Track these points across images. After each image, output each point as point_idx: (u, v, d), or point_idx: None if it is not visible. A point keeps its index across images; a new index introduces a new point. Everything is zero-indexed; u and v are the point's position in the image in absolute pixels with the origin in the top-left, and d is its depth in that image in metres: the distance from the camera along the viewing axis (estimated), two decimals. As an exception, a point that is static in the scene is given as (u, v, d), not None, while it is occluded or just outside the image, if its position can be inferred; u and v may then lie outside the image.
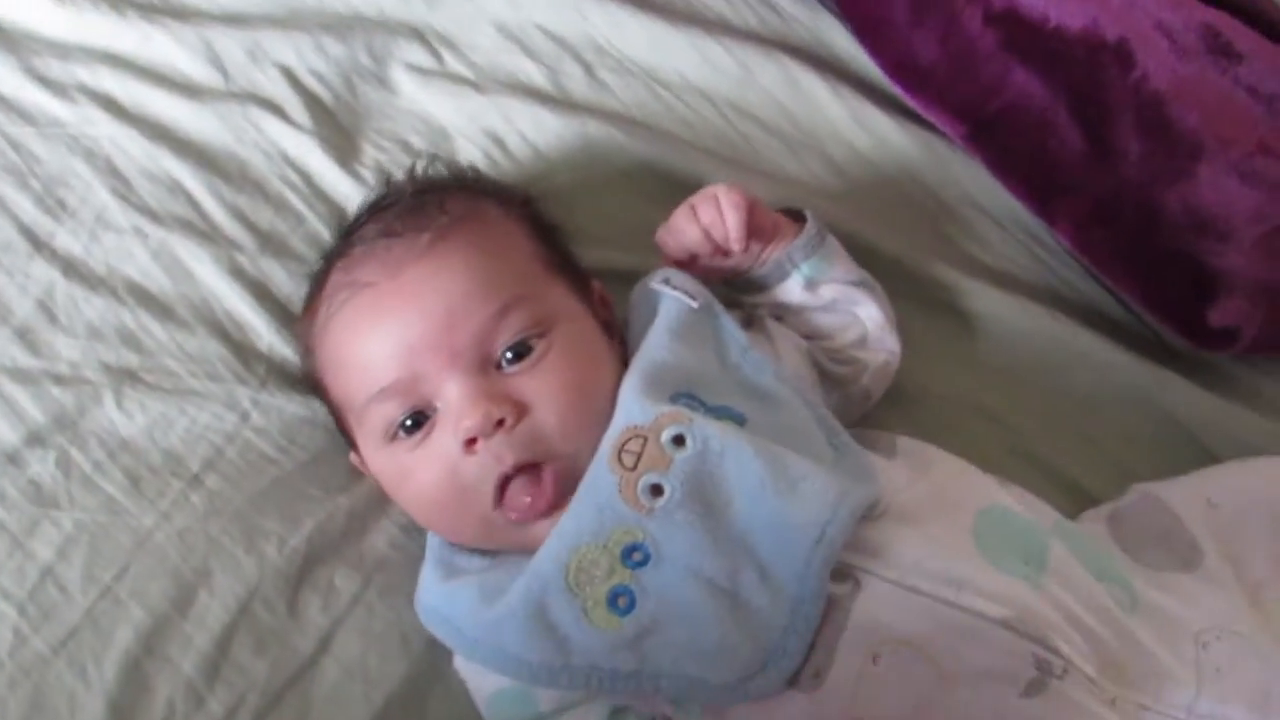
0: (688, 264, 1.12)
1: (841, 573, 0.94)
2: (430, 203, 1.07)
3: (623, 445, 0.97)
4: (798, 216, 1.14)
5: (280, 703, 1.01)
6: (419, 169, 1.18)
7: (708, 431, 0.97)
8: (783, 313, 1.14)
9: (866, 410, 1.16)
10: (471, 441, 0.98)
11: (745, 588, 0.93)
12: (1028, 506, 1.05)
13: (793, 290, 1.12)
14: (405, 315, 1.00)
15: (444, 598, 1.01)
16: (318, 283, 1.10)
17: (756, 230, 1.09)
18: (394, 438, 1.02)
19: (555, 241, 1.12)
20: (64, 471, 1.08)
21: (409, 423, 1.01)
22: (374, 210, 1.11)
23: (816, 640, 0.92)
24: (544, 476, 0.98)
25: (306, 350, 1.10)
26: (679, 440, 0.97)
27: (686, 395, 1.01)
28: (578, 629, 0.93)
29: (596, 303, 1.11)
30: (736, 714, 0.94)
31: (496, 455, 0.97)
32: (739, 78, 1.35)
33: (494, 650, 0.96)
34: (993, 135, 1.26)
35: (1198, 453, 1.21)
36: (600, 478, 0.96)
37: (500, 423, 0.97)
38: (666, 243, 1.12)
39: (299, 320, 1.13)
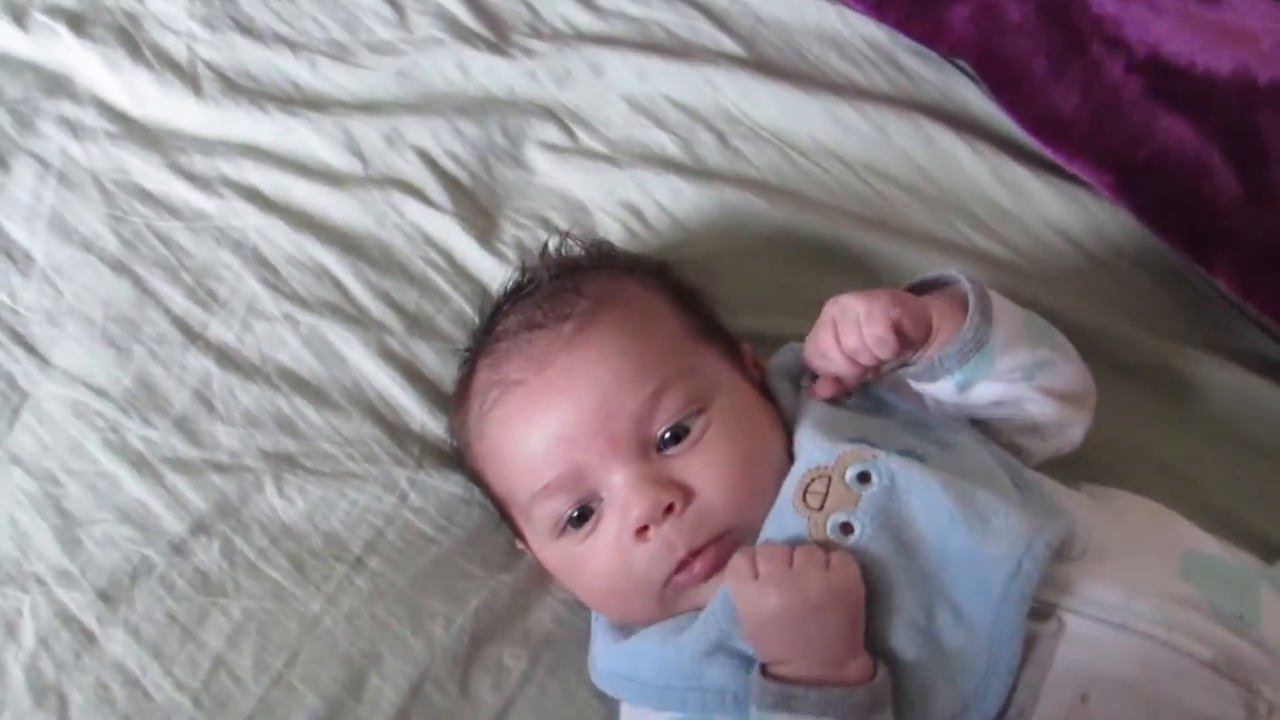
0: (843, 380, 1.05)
1: (1044, 612, 0.91)
2: (568, 288, 1.06)
3: (807, 486, 0.95)
4: (949, 283, 1.05)
5: (459, 784, 0.99)
6: (552, 246, 1.17)
7: (893, 467, 0.95)
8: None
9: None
10: (643, 530, 0.96)
11: (942, 628, 0.90)
12: (1231, 553, 1.01)
13: (945, 392, 1.03)
14: (560, 410, 0.98)
15: (624, 655, 0.99)
16: (465, 379, 1.09)
17: (906, 340, 0.99)
18: (563, 532, 1.01)
19: (700, 308, 1.11)
20: (229, 560, 1.07)
21: (576, 515, 0.99)
22: (513, 300, 1.10)
23: (1020, 680, 0.89)
24: (721, 546, 0.96)
25: (464, 445, 1.09)
26: (864, 478, 0.95)
27: (863, 440, 0.98)
28: None
29: (750, 366, 1.09)
30: None
31: (669, 543, 0.95)
32: (873, 139, 1.34)
33: (689, 689, 0.94)
34: (1142, 183, 1.24)
35: (1388, 500, 1.16)
36: (786, 520, 0.95)
37: (670, 508, 0.95)
38: (814, 364, 1.04)
39: (451, 415, 1.12)
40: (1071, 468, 1.09)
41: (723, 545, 0.96)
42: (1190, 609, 0.92)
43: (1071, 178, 1.30)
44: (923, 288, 1.06)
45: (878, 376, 1.05)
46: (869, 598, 0.91)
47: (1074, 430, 1.07)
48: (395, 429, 1.16)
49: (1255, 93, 1.19)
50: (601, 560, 0.98)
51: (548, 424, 0.98)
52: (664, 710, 0.97)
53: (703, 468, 0.97)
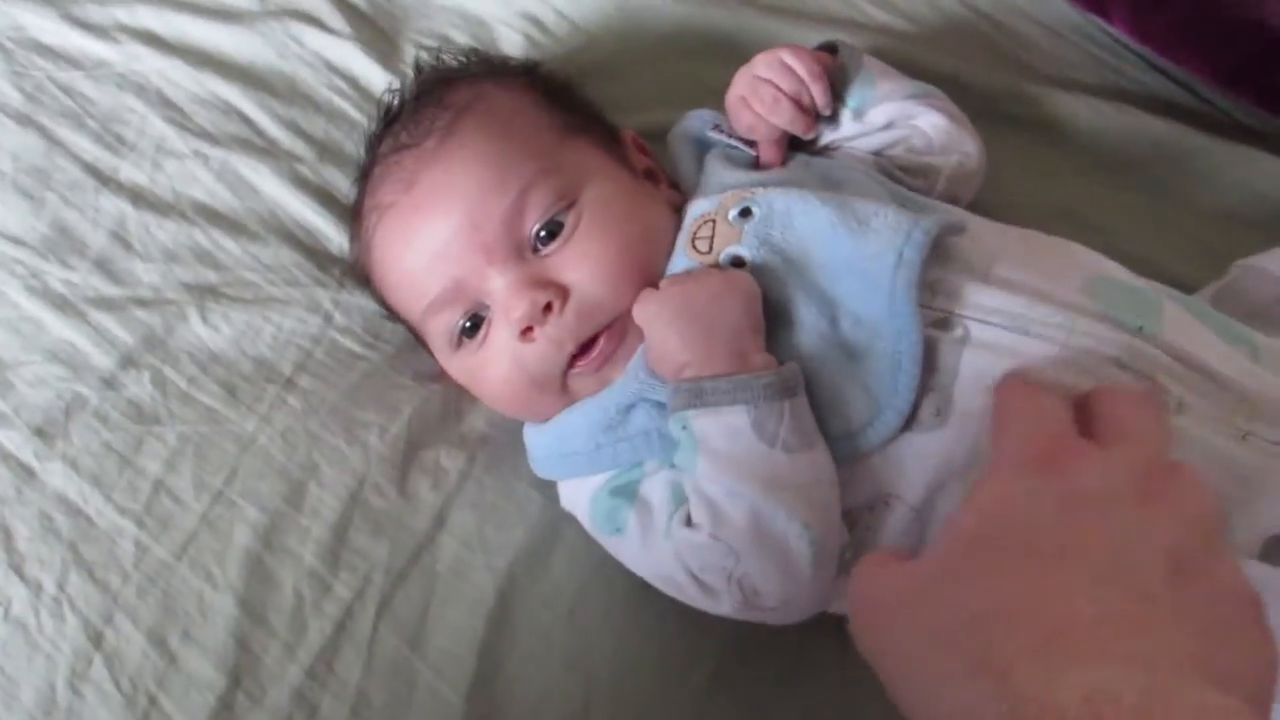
0: (773, 138, 1.07)
1: (949, 322, 0.93)
2: (431, 103, 1.05)
3: (694, 234, 0.97)
4: (830, 50, 1.10)
5: (405, 580, 1.01)
6: (423, 62, 1.16)
7: (770, 196, 0.97)
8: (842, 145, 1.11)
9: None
10: (527, 331, 0.96)
11: (845, 333, 0.93)
12: (1139, 280, 1.03)
13: (845, 127, 1.08)
14: (430, 226, 0.99)
15: (552, 434, 1.01)
16: (354, 210, 1.09)
17: (815, 74, 1.05)
18: (459, 344, 1.02)
19: (569, 102, 1.09)
20: (160, 389, 1.08)
21: (468, 325, 1.00)
22: (385, 125, 1.09)
23: (932, 383, 0.91)
24: (610, 335, 0.97)
25: (363, 272, 1.10)
26: (745, 213, 0.97)
27: (754, 186, 1.01)
28: None
29: (630, 151, 1.09)
30: (862, 470, 0.93)
31: (555, 341, 0.96)
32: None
33: (618, 444, 0.96)
34: (1034, -62, 1.23)
35: (1290, 224, 1.17)
36: (680, 267, 0.97)
37: (549, 307, 0.96)
38: (758, 126, 1.06)
39: (350, 245, 1.13)
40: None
41: (612, 333, 0.97)
42: (1091, 317, 0.93)
43: (968, -59, 1.29)
44: None
45: (810, 129, 1.07)
46: (771, 317, 0.93)
47: (968, 144, 1.08)
48: (314, 253, 1.16)
49: None
50: (498, 366, 0.99)
51: (422, 242, 0.99)
52: (598, 472, 0.99)
53: (578, 261, 0.97)
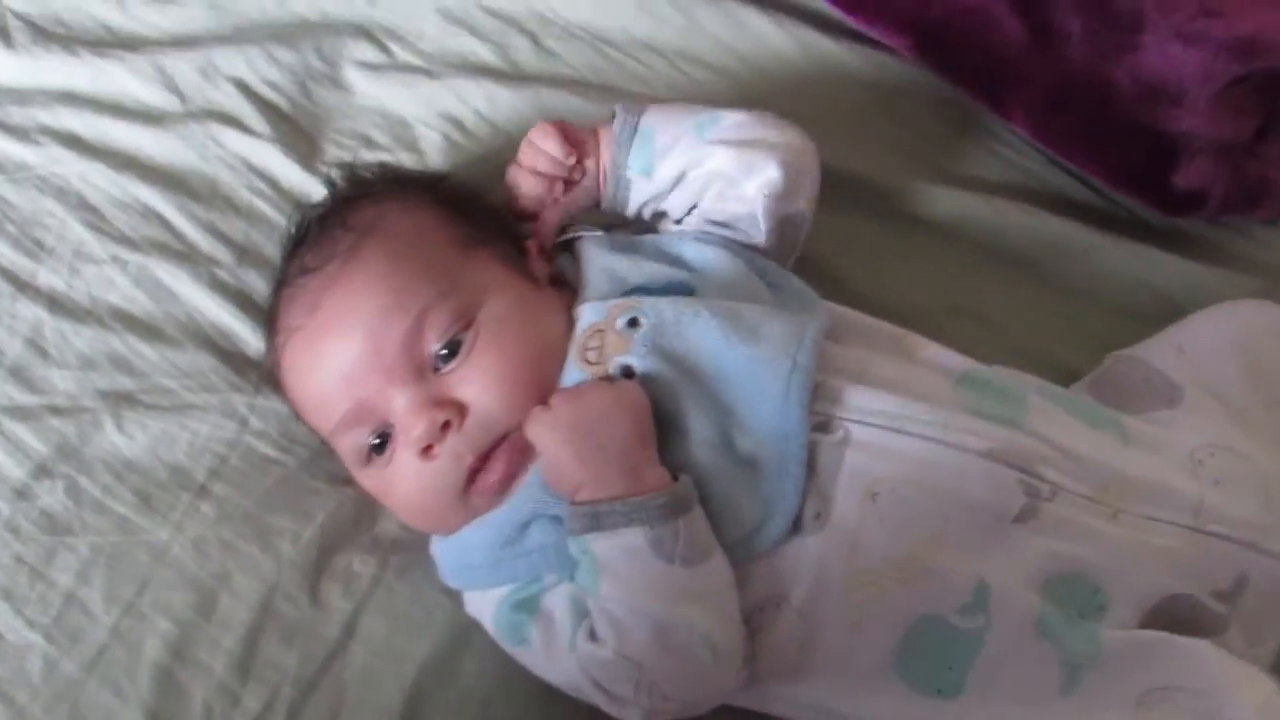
0: (549, 212, 1.13)
1: (828, 425, 0.96)
2: (334, 225, 1.07)
3: (584, 345, 1.00)
4: None
5: (314, 690, 1.02)
6: (335, 178, 1.18)
7: (659, 306, 1.00)
8: (659, 216, 1.14)
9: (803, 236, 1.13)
10: (427, 449, 0.98)
11: (734, 440, 0.95)
12: (1008, 375, 1.07)
13: (641, 189, 1.11)
14: (333, 349, 1.01)
15: (455, 547, 1.03)
16: (267, 326, 1.11)
17: (576, 144, 1.11)
18: (367, 461, 1.03)
19: (474, 213, 1.11)
20: (74, 499, 1.08)
21: (376, 443, 1.02)
22: (294, 245, 1.11)
23: (814, 486, 0.95)
24: (507, 449, 0.99)
25: (278, 386, 1.11)
26: (634, 323, 0.99)
27: (634, 291, 1.04)
28: None
29: (534, 260, 1.10)
30: (755, 571, 0.95)
31: (455, 454, 0.98)
32: (683, 26, 1.35)
33: (516, 558, 0.99)
34: (938, 41, 1.26)
35: (1180, 318, 1.19)
36: (572, 380, 0.99)
37: (446, 425, 0.98)
38: (516, 202, 1.13)
39: (266, 359, 1.14)
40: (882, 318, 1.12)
41: (512, 444, 0.99)
42: (963, 412, 0.97)
43: (877, 44, 1.32)
44: None
45: (586, 209, 1.13)
46: (662, 425, 0.96)
47: (768, 169, 1.07)
48: (232, 357, 1.17)
49: (1034, -61, 1.21)
50: (404, 483, 1.02)
51: (327, 365, 1.01)
52: (498, 585, 1.00)
53: (475, 378, 0.99)
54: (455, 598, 1.06)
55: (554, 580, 0.98)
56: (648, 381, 0.97)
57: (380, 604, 1.06)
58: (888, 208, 1.19)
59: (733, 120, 1.09)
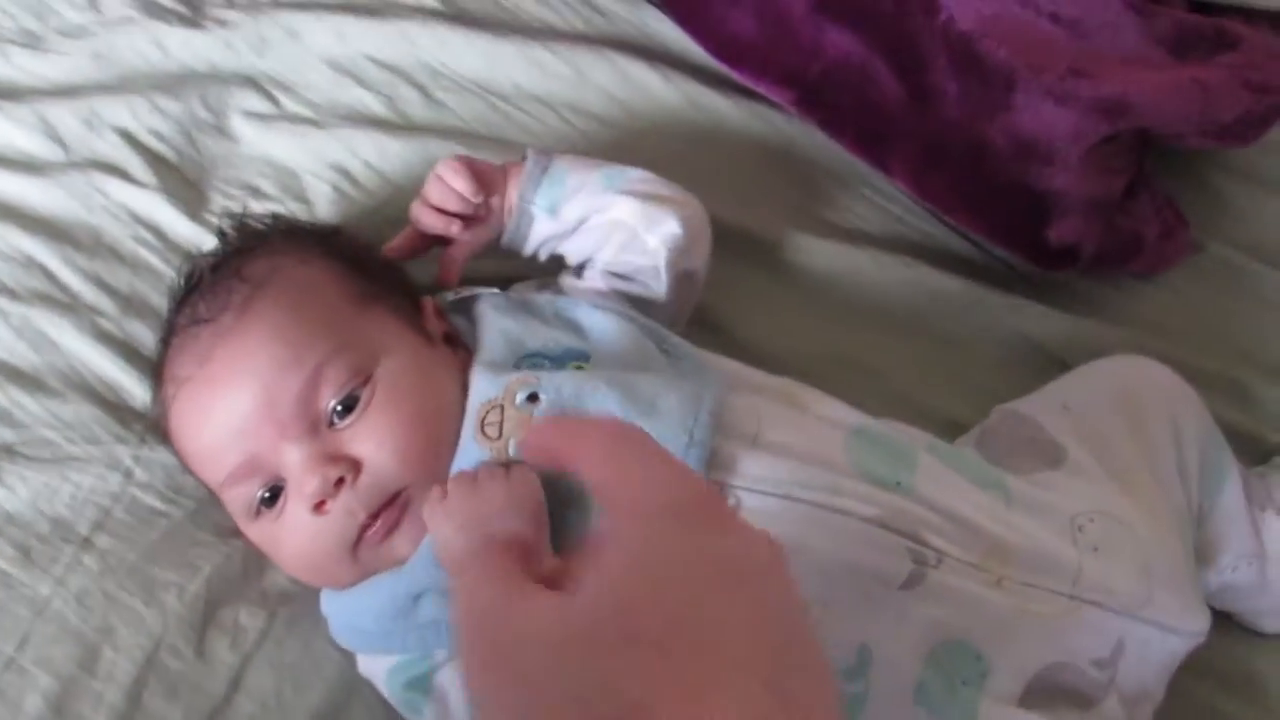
0: (454, 248, 1.16)
1: (722, 492, 0.98)
2: (227, 275, 1.07)
3: (483, 419, 1.00)
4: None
5: (199, 745, 1.02)
6: (226, 227, 1.19)
7: (557, 381, 1.00)
8: (556, 260, 1.18)
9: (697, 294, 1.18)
10: (320, 505, 1.00)
11: None
12: (897, 429, 1.10)
13: (543, 227, 1.15)
14: (225, 402, 1.01)
15: (345, 608, 1.04)
16: (155, 375, 1.11)
17: (484, 182, 1.13)
18: (257, 514, 1.04)
19: (370, 268, 1.13)
20: (-48, 555, 1.08)
21: (267, 496, 1.03)
22: (184, 294, 1.11)
23: None
24: (398, 508, 1.00)
25: (165, 434, 1.11)
26: (533, 398, 1.00)
27: (530, 356, 1.05)
28: None
29: (430, 318, 1.12)
30: None
31: (348, 511, 0.99)
32: (572, 79, 1.39)
33: (407, 631, 0.99)
34: (820, 97, 1.30)
35: (1059, 370, 1.26)
36: (470, 455, 0.99)
37: (340, 481, 0.99)
38: (415, 237, 1.17)
39: (152, 409, 1.14)
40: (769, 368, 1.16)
41: (400, 501, 1.00)
42: (851, 477, 1.00)
43: (762, 98, 1.37)
44: None
45: (489, 246, 1.17)
46: (560, 501, 0.96)
47: (670, 223, 1.12)
48: (116, 408, 1.17)
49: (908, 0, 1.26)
50: (294, 537, 1.02)
51: (218, 417, 1.01)
52: (388, 653, 1.02)
53: (368, 436, 1.00)
54: (345, 651, 1.06)
55: (444, 657, 0.99)
56: None
57: (268, 657, 1.06)
58: (773, 259, 1.23)
59: (638, 175, 1.14)
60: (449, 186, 1.13)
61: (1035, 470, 1.11)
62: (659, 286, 1.13)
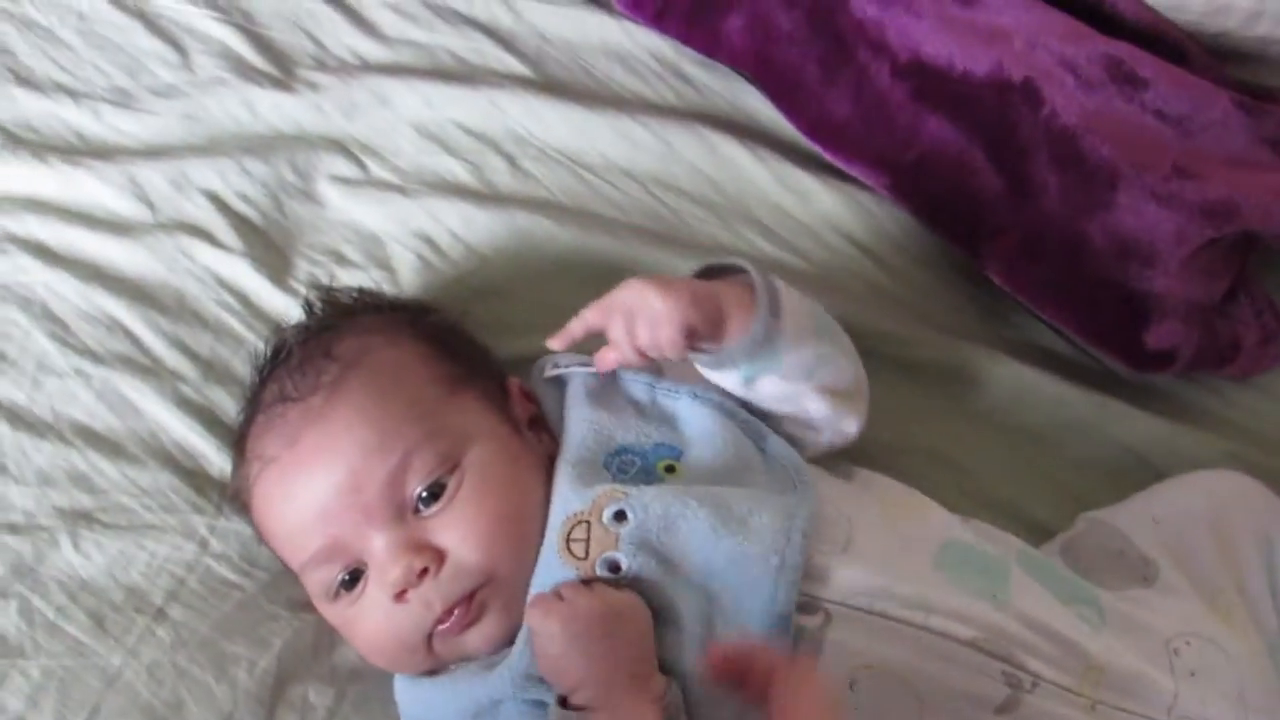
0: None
1: (811, 606, 0.98)
2: (317, 354, 1.09)
3: (569, 535, 1.01)
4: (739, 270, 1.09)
5: (267, 826, 1.04)
6: (313, 301, 1.21)
7: (645, 499, 1.00)
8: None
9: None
10: (401, 594, 1.01)
11: (720, 636, 0.96)
12: (989, 538, 1.10)
13: (728, 382, 1.10)
14: (311, 485, 1.03)
15: (421, 701, 1.05)
16: (237, 447, 1.13)
17: (696, 344, 1.04)
18: (336, 596, 1.05)
19: (459, 350, 1.14)
20: (27, 620, 1.10)
21: (347, 578, 1.04)
22: (271, 368, 1.13)
23: None
24: (474, 602, 1.02)
25: (245, 511, 1.13)
26: (620, 516, 1.00)
27: (620, 452, 1.06)
28: None
29: (516, 401, 1.13)
30: None
31: (426, 603, 1.01)
32: (661, 153, 1.40)
33: None
34: (914, 183, 1.31)
35: (1149, 475, 1.26)
36: (556, 573, 0.99)
37: (424, 571, 1.00)
38: (604, 360, 1.08)
39: (232, 476, 1.16)
40: (847, 463, 1.16)
41: (478, 596, 1.01)
42: (945, 593, 1.00)
43: (852, 180, 1.38)
44: (712, 272, 1.10)
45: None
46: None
47: (848, 424, 1.13)
48: (194, 476, 1.20)
49: (1011, 91, 1.27)
50: (370, 622, 1.04)
51: (303, 499, 1.03)
52: None
53: (455, 527, 1.02)
54: (412, 735, 1.08)
55: None
56: (634, 579, 0.98)
57: (336, 738, 1.08)
58: (860, 346, 1.23)
59: (845, 367, 1.12)
60: (658, 342, 1.03)
61: (1126, 587, 1.11)
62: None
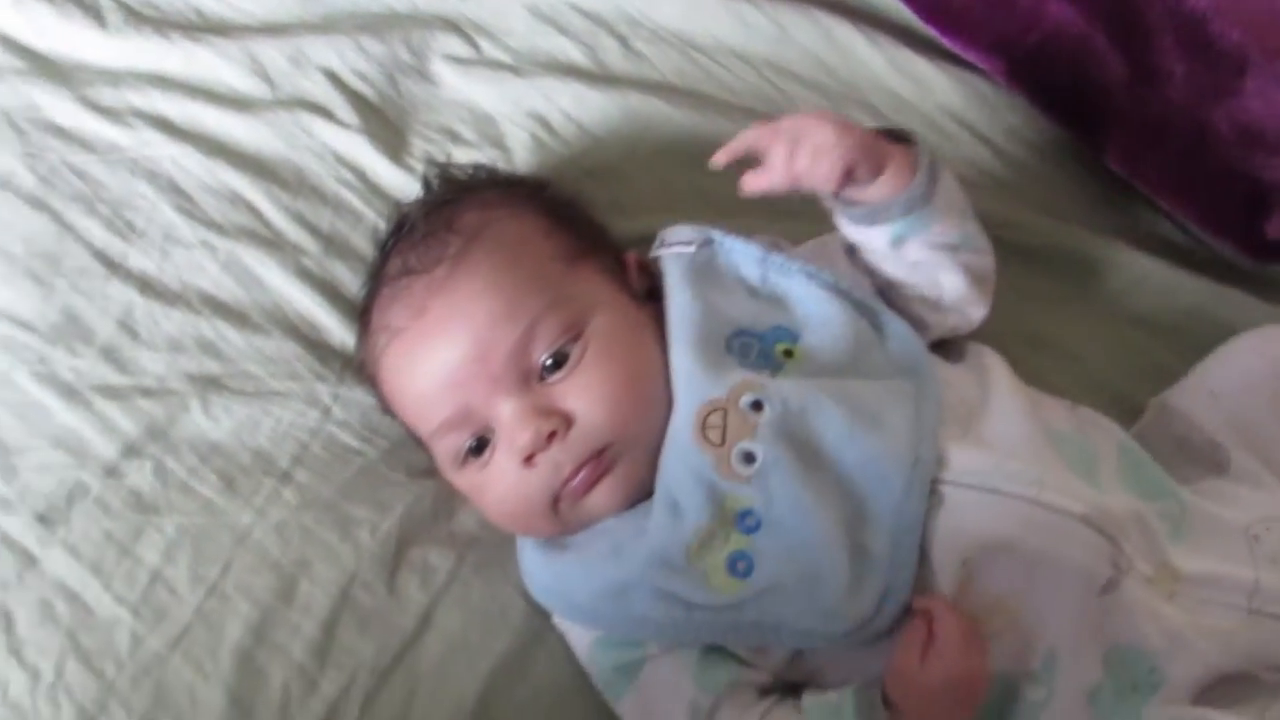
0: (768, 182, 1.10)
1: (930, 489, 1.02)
2: (439, 227, 1.13)
3: (704, 421, 1.04)
4: (904, 138, 1.11)
5: (389, 679, 1.10)
6: (430, 178, 1.25)
7: (784, 391, 1.04)
8: (856, 250, 1.17)
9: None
10: (530, 458, 1.05)
11: (853, 533, 1.01)
12: (1094, 424, 1.13)
13: (876, 240, 1.13)
14: (439, 354, 1.07)
15: (553, 574, 1.10)
16: (363, 318, 1.17)
17: (849, 185, 1.08)
18: (464, 462, 1.10)
19: (577, 224, 1.18)
20: (161, 479, 1.17)
21: (474, 445, 1.09)
22: (394, 242, 1.17)
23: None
24: (603, 459, 1.06)
25: (370, 379, 1.18)
26: (757, 405, 1.04)
27: (738, 334, 1.09)
28: (700, 594, 1.01)
29: (633, 274, 1.17)
30: (880, 650, 1.01)
31: (554, 465, 1.05)
32: (774, 36, 1.43)
33: (617, 616, 1.05)
34: (1033, 69, 1.33)
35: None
36: (692, 458, 1.04)
37: (552, 434, 1.05)
38: (754, 182, 1.09)
39: (356, 349, 1.21)
40: (956, 348, 1.19)
41: (602, 459, 1.06)
42: (1058, 470, 1.03)
43: (967, 65, 1.40)
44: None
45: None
46: (791, 523, 1.01)
47: (974, 311, 1.16)
48: (316, 346, 1.25)
49: (1139, -26, 1.27)
50: (499, 487, 1.08)
51: (430, 369, 1.07)
52: (596, 630, 1.08)
53: (581, 392, 1.06)
54: (530, 598, 1.13)
55: (655, 650, 1.05)
56: (768, 471, 1.02)
57: (456, 598, 1.14)
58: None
59: (985, 251, 1.16)
60: (814, 169, 1.06)
61: (1201, 479, 1.13)
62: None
